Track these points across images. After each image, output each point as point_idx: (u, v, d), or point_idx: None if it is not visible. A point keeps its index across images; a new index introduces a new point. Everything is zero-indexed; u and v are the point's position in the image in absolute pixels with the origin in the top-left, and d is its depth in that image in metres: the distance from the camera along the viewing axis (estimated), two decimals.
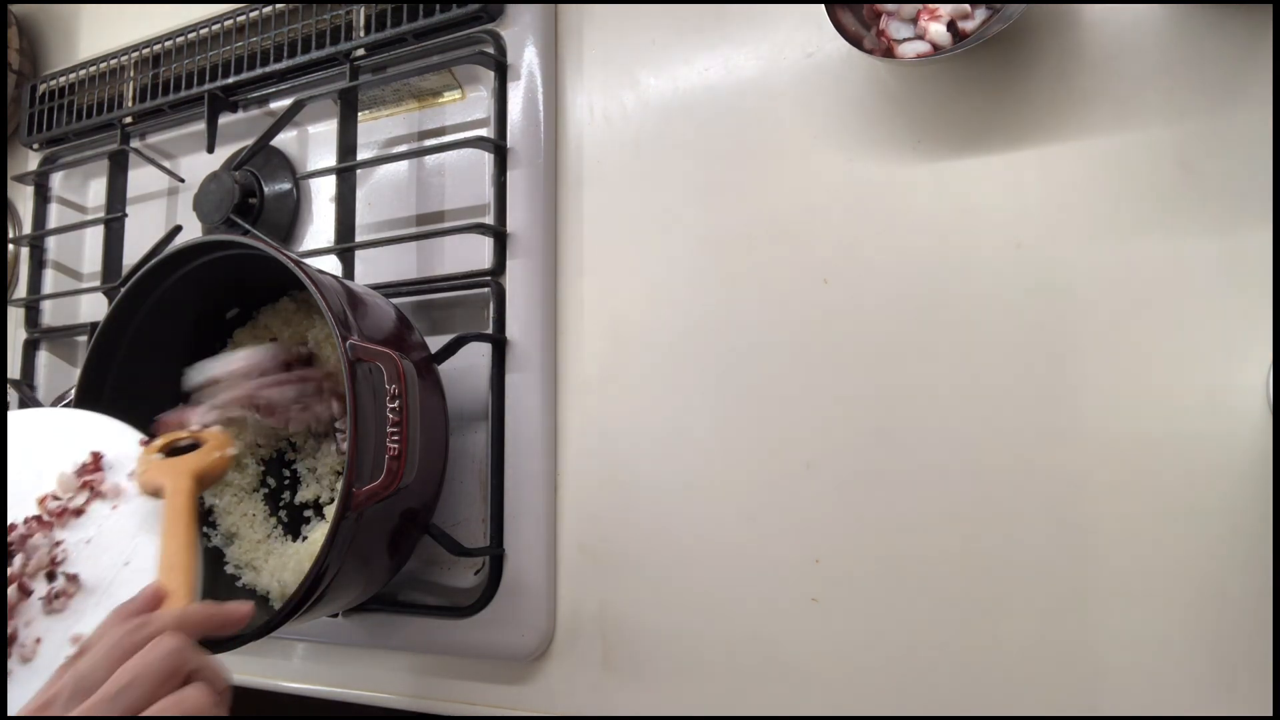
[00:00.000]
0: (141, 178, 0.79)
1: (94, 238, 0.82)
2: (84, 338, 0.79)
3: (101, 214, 0.78)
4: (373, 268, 0.65)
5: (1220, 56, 0.44)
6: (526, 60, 0.62)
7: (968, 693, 0.45)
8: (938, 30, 0.47)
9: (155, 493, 0.48)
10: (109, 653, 0.36)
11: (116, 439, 0.52)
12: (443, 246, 0.64)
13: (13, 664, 0.43)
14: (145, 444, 0.51)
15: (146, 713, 0.34)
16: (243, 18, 0.73)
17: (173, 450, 0.51)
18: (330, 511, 0.60)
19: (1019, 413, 0.46)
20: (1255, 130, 0.43)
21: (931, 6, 0.47)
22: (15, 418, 0.53)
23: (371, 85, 0.66)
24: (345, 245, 0.64)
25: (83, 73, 0.82)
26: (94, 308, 0.81)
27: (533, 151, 0.60)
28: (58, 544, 0.47)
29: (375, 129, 0.69)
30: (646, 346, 0.56)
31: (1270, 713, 0.40)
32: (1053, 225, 0.47)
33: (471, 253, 0.62)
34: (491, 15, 0.63)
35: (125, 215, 0.77)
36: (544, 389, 0.58)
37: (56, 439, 0.52)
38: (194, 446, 0.51)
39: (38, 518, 0.48)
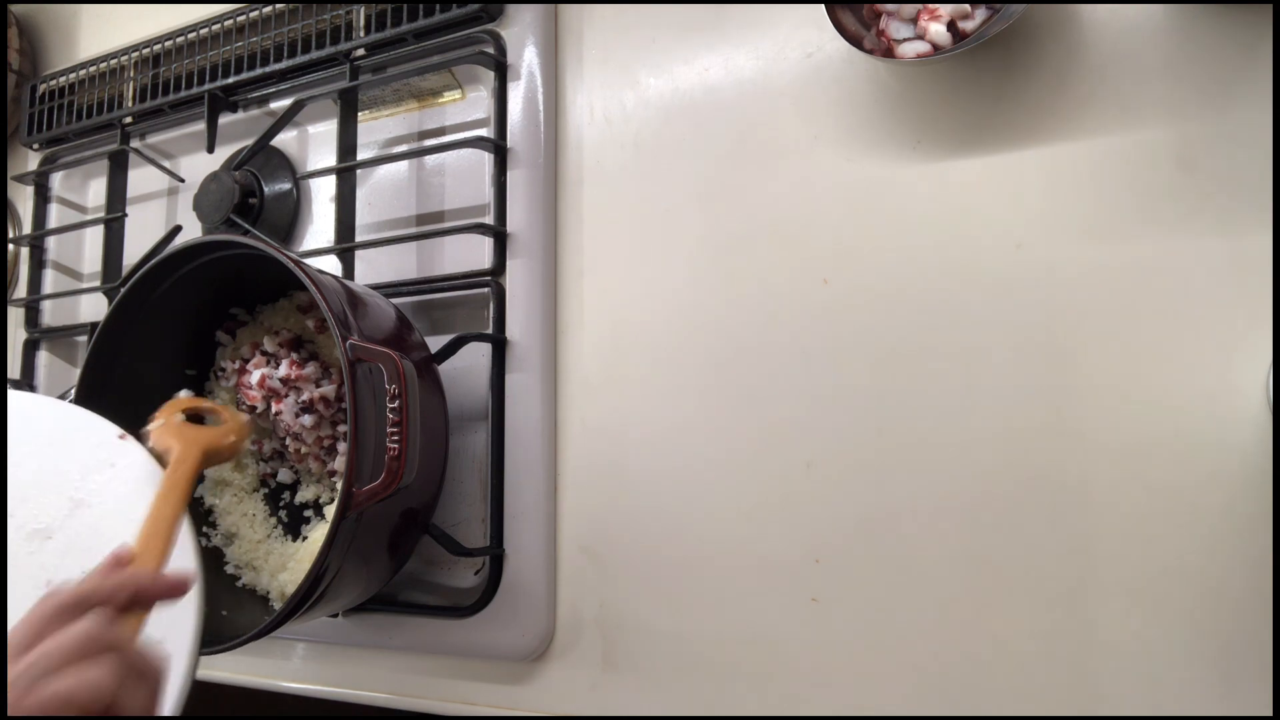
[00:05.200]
0: (141, 178, 0.79)
1: (94, 238, 0.82)
2: (84, 338, 0.79)
3: (101, 214, 0.78)
4: (373, 268, 0.65)
5: (1220, 56, 0.44)
6: (526, 60, 0.62)
7: (968, 692, 0.45)
8: (938, 30, 0.47)
9: (164, 452, 0.48)
10: (32, 621, 0.35)
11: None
12: (443, 246, 0.64)
13: None
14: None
15: (39, 694, 0.32)
16: (243, 18, 0.73)
17: (192, 417, 0.52)
18: (330, 511, 0.60)
19: (1019, 412, 0.46)
20: (1255, 130, 0.43)
21: (931, 6, 0.47)
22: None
23: (371, 85, 0.66)
24: (345, 245, 0.64)
25: (83, 73, 0.82)
26: (94, 308, 0.81)
27: (533, 151, 0.60)
28: None
29: (375, 129, 0.69)
30: (646, 346, 0.56)
31: (1270, 713, 0.40)
32: (1053, 225, 0.47)
33: (471, 253, 0.62)
34: (491, 15, 0.63)
35: (125, 215, 0.77)
36: (544, 389, 0.58)
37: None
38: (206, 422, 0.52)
39: None
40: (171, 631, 0.43)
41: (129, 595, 0.37)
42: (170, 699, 0.41)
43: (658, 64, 0.59)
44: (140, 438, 0.50)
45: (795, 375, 0.52)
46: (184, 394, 0.56)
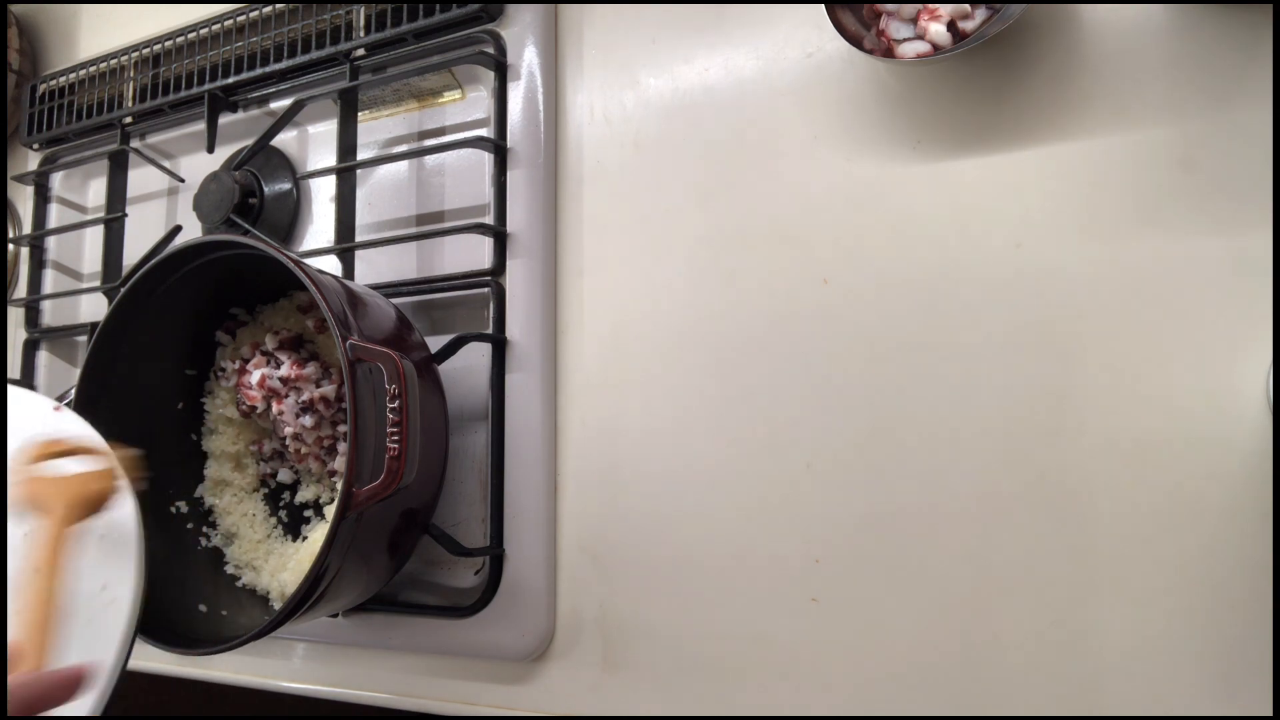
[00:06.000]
0: (141, 178, 0.80)
1: (94, 238, 0.82)
2: (84, 338, 0.79)
3: (101, 214, 0.78)
4: (373, 268, 0.65)
5: (1220, 56, 0.44)
6: (526, 60, 0.62)
7: (968, 692, 0.46)
8: (938, 30, 0.47)
9: (32, 510, 0.43)
10: None
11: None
12: (443, 246, 0.64)
13: None
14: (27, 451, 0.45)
15: None
16: (243, 18, 0.73)
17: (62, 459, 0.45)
18: (330, 511, 0.60)
19: (1019, 412, 0.46)
20: (1255, 130, 0.43)
21: (931, 6, 0.47)
22: None
23: (371, 85, 0.66)
24: (345, 245, 0.64)
25: (83, 73, 0.82)
26: (94, 308, 0.81)
27: (533, 151, 0.60)
28: None
29: (375, 129, 0.69)
30: (646, 346, 0.56)
31: (1270, 713, 0.40)
32: (1053, 225, 0.47)
33: (471, 253, 0.62)
34: (491, 15, 0.63)
35: (125, 215, 0.77)
36: (544, 389, 0.58)
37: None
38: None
39: None
40: (100, 629, 0.42)
41: (21, 705, 0.35)
42: (91, 699, 0.40)
43: (658, 64, 0.59)
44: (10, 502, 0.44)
45: (795, 375, 0.52)
46: (44, 434, 0.46)
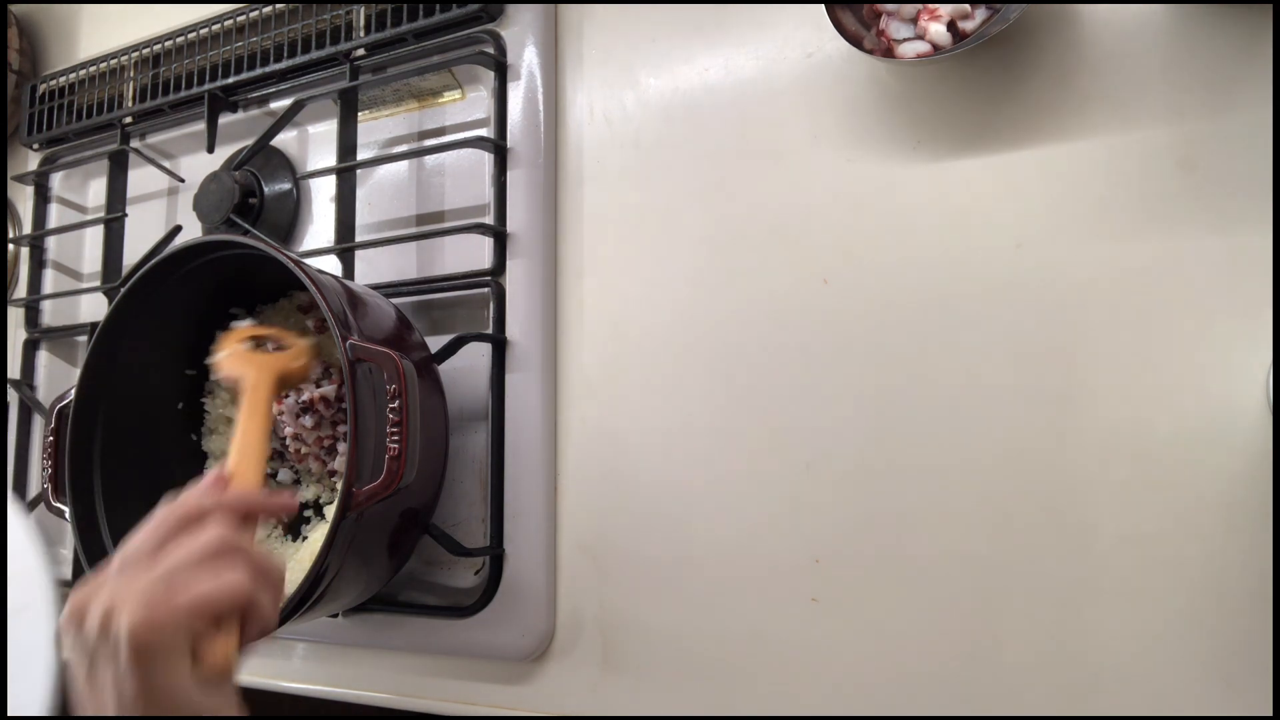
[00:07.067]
0: (141, 178, 0.79)
1: (94, 238, 0.82)
2: (84, 338, 0.79)
3: (101, 214, 0.78)
4: (373, 268, 0.65)
5: (1220, 56, 0.44)
6: (526, 60, 0.62)
7: (967, 692, 0.45)
8: (938, 30, 0.47)
9: (236, 379, 0.50)
10: (156, 530, 0.37)
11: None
12: (443, 246, 0.64)
13: None
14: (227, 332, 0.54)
15: (186, 594, 0.34)
16: (243, 18, 0.73)
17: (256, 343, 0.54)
18: (330, 511, 0.60)
19: (1019, 413, 0.46)
20: (1255, 130, 0.43)
21: (931, 6, 0.47)
22: None
23: (371, 85, 0.66)
24: (345, 245, 0.64)
25: (83, 73, 0.82)
26: (94, 308, 0.81)
27: (533, 151, 0.60)
28: None
29: (375, 129, 0.69)
30: (646, 346, 0.56)
31: (1270, 713, 0.40)
32: (1053, 225, 0.47)
33: (471, 253, 0.62)
34: (491, 15, 0.63)
35: (125, 215, 0.77)
36: (544, 389, 0.58)
37: None
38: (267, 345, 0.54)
39: None
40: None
41: (246, 508, 0.40)
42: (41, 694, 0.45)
43: (658, 64, 0.59)
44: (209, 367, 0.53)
45: (795, 375, 0.52)
46: (246, 322, 0.57)
